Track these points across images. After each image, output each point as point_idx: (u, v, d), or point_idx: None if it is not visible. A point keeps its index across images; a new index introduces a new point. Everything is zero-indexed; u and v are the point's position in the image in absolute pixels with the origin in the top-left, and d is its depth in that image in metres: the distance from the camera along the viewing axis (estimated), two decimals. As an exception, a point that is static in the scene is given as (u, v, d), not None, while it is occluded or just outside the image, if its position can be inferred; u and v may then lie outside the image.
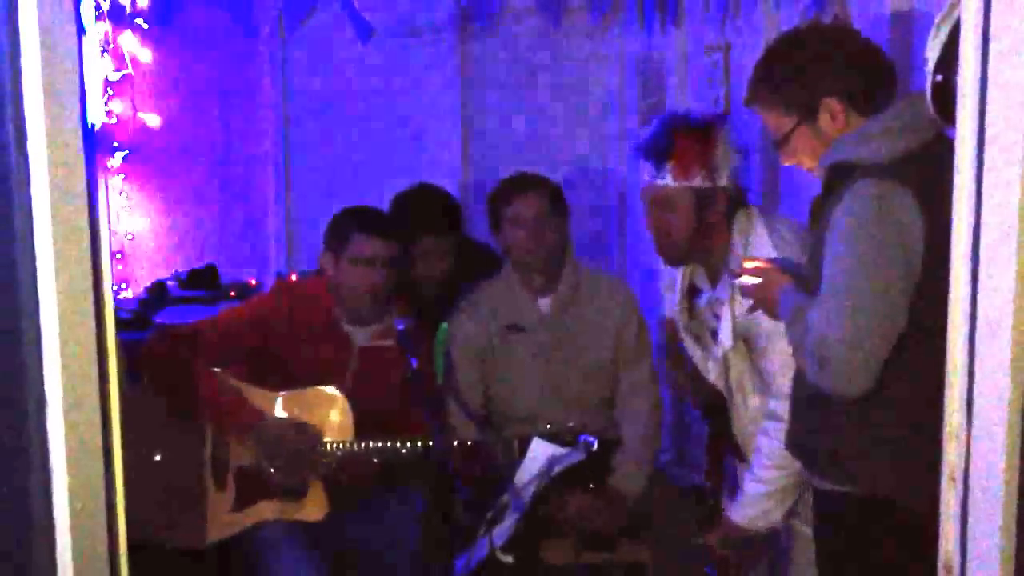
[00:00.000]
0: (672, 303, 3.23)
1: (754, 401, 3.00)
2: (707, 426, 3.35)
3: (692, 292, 3.15)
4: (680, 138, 2.91)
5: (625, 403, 3.57)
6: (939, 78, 1.94)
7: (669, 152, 2.91)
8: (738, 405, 3.06)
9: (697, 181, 2.91)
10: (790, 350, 2.78)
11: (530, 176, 3.59)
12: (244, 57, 5.09)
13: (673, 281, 3.23)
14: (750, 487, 2.91)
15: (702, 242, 2.99)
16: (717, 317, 3.01)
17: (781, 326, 2.77)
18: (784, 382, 2.82)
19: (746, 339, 2.95)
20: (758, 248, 2.90)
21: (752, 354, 2.95)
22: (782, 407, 2.83)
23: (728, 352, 2.99)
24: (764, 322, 2.82)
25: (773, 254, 2.82)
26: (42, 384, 1.44)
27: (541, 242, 3.46)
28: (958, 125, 1.55)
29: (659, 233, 3.02)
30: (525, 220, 3.45)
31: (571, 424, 2.94)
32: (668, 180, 2.93)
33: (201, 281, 4.93)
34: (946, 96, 1.85)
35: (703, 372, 3.13)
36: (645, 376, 3.59)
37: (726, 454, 3.27)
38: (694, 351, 3.15)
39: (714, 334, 3.05)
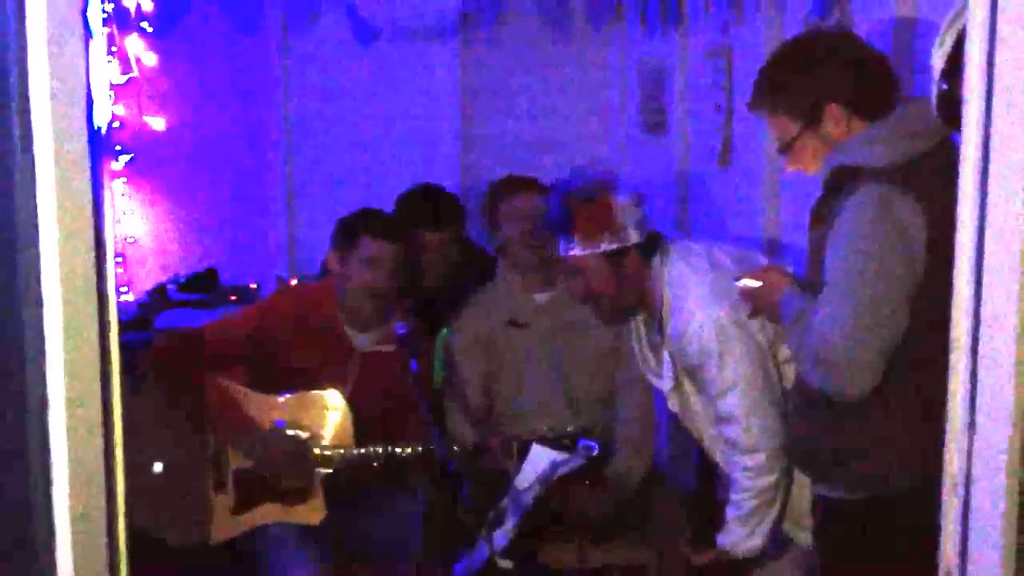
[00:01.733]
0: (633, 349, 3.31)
1: (709, 429, 3.05)
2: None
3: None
4: (576, 209, 2.99)
5: (620, 394, 3.62)
6: (945, 86, 1.94)
7: (570, 225, 3.00)
8: (699, 432, 3.11)
9: (604, 245, 2.99)
10: (721, 376, 2.85)
11: (522, 177, 3.75)
12: (246, 60, 5.10)
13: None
14: (728, 512, 2.95)
15: (629, 295, 3.06)
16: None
17: (710, 353, 2.84)
18: (722, 407, 2.88)
19: (688, 372, 3.00)
20: (676, 280, 2.96)
21: (693, 374, 3.00)
22: (730, 430, 2.87)
23: (679, 387, 3.06)
24: (691, 353, 2.89)
25: (691, 281, 2.91)
26: (44, 385, 1.44)
27: (539, 237, 3.51)
28: (963, 132, 1.55)
29: (586, 299, 3.11)
30: (522, 216, 3.55)
31: (571, 428, 2.96)
32: (578, 251, 3.01)
33: (201, 285, 4.93)
34: (952, 103, 1.86)
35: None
36: (639, 368, 3.63)
37: (714, 470, 3.28)
38: (656, 382, 3.20)
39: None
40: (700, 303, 2.86)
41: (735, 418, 2.84)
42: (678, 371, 3.02)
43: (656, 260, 3.02)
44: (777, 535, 2.96)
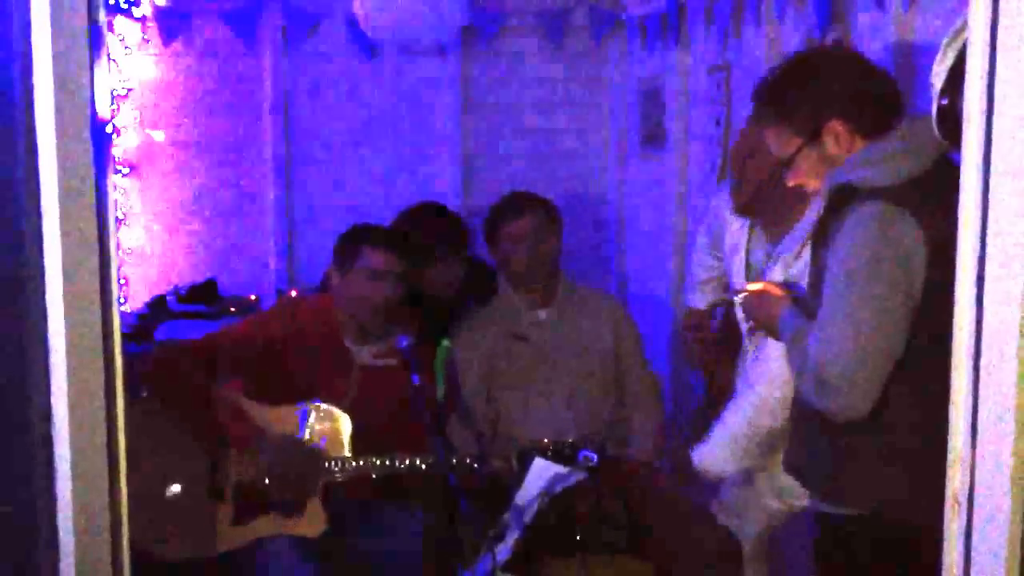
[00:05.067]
0: (733, 255, 3.16)
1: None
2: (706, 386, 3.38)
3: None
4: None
5: (630, 396, 3.69)
6: (945, 102, 1.95)
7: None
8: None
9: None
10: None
11: (526, 195, 3.75)
12: (246, 73, 5.11)
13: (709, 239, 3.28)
14: (715, 430, 2.97)
15: (785, 193, 2.72)
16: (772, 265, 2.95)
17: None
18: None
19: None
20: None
21: None
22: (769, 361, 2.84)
23: None
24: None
25: None
26: (48, 396, 1.44)
27: (539, 258, 3.60)
28: (963, 148, 1.56)
29: (744, 164, 2.92)
30: (522, 237, 3.59)
31: (571, 439, 2.97)
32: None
33: (201, 296, 4.93)
34: (952, 119, 1.86)
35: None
36: (646, 371, 3.75)
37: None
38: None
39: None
40: None
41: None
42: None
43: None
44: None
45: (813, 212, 2.78)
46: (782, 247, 2.91)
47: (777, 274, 2.88)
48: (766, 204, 2.93)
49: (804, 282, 2.71)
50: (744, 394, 2.92)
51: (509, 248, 3.61)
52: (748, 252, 3.09)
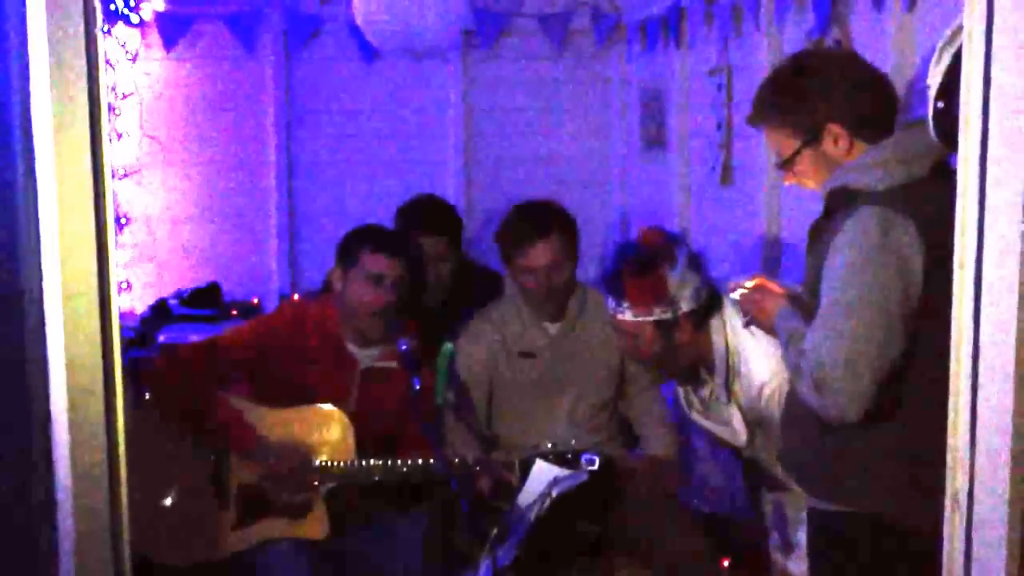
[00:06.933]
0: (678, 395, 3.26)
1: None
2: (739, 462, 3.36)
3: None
4: (629, 279, 2.95)
5: (637, 398, 3.63)
6: (941, 104, 1.95)
7: (622, 292, 2.95)
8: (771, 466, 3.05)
9: (656, 314, 2.93)
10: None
11: (542, 217, 3.50)
12: (248, 76, 5.11)
13: None
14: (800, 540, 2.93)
15: (679, 360, 3.02)
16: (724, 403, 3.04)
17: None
18: None
19: (760, 422, 2.96)
20: (737, 342, 2.93)
21: (768, 427, 2.95)
22: None
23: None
24: (766, 414, 2.85)
25: (754, 343, 2.85)
26: (48, 400, 1.44)
27: (556, 285, 3.47)
28: (960, 151, 1.56)
29: (634, 357, 3.09)
30: (540, 269, 3.43)
31: (573, 444, 2.96)
32: (628, 315, 2.96)
33: (203, 300, 4.93)
34: (948, 122, 1.86)
35: (728, 440, 3.14)
36: (653, 382, 3.63)
37: (761, 487, 3.23)
38: (713, 427, 3.14)
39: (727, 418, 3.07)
40: (768, 367, 2.81)
41: None
42: (749, 423, 2.99)
43: (715, 320, 2.98)
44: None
45: (718, 359, 2.95)
46: (719, 392, 3.01)
47: (735, 418, 3.00)
48: (675, 372, 3.12)
49: (767, 408, 2.86)
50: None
51: (525, 277, 3.45)
52: (696, 398, 3.16)
